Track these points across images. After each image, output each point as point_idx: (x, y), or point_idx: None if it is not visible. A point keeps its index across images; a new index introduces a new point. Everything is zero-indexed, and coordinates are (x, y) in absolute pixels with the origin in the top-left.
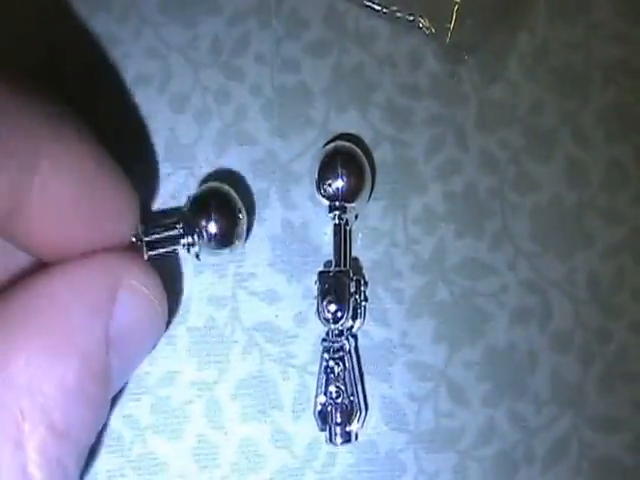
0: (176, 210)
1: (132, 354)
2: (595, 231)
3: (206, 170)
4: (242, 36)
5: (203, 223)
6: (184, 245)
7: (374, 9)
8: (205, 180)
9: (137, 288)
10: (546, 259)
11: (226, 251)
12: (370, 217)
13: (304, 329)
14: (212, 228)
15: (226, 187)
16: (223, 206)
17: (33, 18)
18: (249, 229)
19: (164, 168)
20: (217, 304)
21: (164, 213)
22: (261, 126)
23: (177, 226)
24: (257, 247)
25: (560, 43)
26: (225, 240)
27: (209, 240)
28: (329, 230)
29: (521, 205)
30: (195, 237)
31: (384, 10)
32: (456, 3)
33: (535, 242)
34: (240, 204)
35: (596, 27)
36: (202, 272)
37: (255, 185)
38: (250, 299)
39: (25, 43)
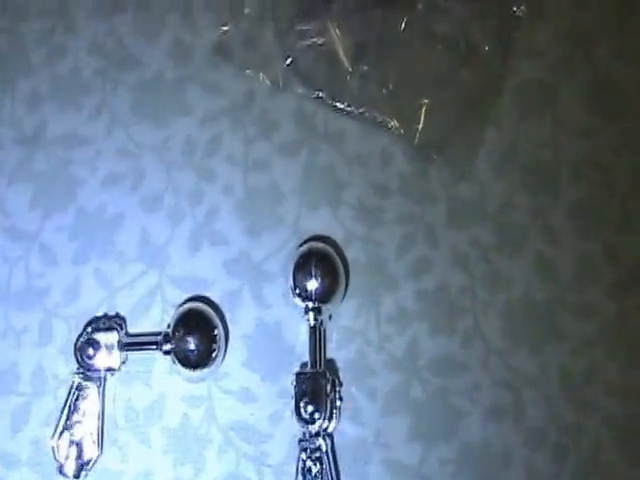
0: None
1: None
2: (566, 327)
3: (179, 271)
4: (214, 137)
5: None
6: (164, 352)
7: (343, 110)
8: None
9: None
10: (518, 356)
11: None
12: (343, 316)
13: (279, 428)
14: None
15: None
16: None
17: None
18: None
19: (137, 267)
20: (192, 403)
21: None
22: (234, 226)
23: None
24: (231, 346)
25: (528, 139)
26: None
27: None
28: (303, 329)
29: (492, 302)
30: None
31: (353, 111)
32: (424, 104)
33: (506, 339)
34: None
35: (563, 122)
36: (177, 371)
37: (228, 285)
38: (225, 398)
39: None
